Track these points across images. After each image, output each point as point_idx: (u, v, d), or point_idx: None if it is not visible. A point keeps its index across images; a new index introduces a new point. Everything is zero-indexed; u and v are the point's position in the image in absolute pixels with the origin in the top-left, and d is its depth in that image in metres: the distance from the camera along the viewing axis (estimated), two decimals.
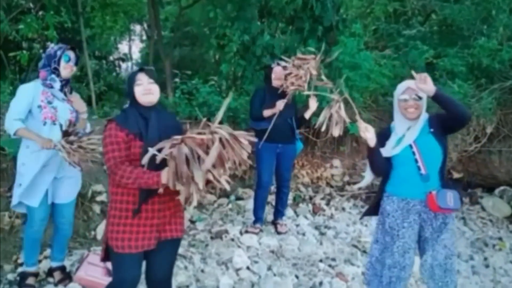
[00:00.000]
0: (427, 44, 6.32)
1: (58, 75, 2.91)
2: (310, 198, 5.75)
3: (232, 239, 4.21)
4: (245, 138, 1.98)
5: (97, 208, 4.22)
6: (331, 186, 6.21)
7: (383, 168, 2.65)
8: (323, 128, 2.79)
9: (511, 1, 6.09)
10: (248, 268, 3.68)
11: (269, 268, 3.72)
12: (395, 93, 2.63)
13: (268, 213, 4.82)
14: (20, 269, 3.28)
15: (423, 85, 2.39)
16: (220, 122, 2.02)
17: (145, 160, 1.98)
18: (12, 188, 3.09)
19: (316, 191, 5.98)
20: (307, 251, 4.10)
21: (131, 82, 2.23)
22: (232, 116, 5.69)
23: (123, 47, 14.63)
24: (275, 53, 5.86)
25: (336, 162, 6.37)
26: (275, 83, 4.15)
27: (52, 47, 2.99)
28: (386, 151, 2.62)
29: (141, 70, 2.27)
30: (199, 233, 4.38)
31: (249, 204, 4.95)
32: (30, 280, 3.07)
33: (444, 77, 5.85)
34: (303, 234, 4.53)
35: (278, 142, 4.24)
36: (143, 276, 2.40)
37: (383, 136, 2.68)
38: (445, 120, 2.51)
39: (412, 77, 2.48)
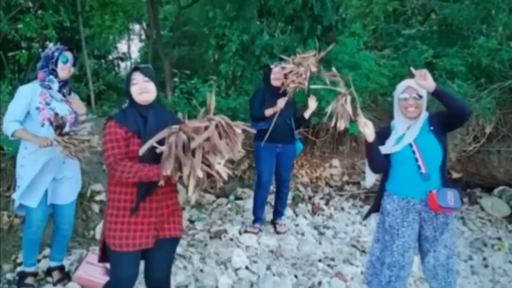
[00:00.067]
0: (427, 43, 6.32)
1: (56, 76, 2.91)
2: (309, 198, 5.75)
3: (231, 239, 4.21)
4: (241, 127, 2.00)
5: (96, 208, 4.22)
6: (330, 186, 6.21)
7: (381, 165, 2.65)
8: (332, 123, 2.78)
9: (510, 1, 6.09)
10: (247, 268, 3.68)
11: (268, 268, 3.72)
12: (395, 92, 2.63)
13: (267, 213, 4.82)
14: (19, 269, 3.28)
15: (423, 81, 2.39)
16: None
17: (143, 149, 1.96)
18: (11, 188, 3.09)
19: (315, 191, 5.98)
20: (306, 251, 4.10)
21: (128, 82, 2.24)
22: (231, 116, 5.69)
23: (122, 47, 14.66)
24: (274, 53, 5.86)
25: (335, 162, 6.37)
26: (274, 83, 4.17)
27: (49, 48, 2.98)
28: (385, 148, 2.61)
29: (136, 69, 2.27)
30: (198, 232, 4.37)
31: (248, 204, 4.95)
32: (29, 280, 3.07)
33: (443, 77, 5.85)
34: (302, 234, 4.53)
35: (278, 142, 4.24)
36: (142, 276, 2.40)
37: (383, 135, 2.67)
38: (445, 118, 2.51)
39: (412, 76, 2.48)
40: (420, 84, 2.40)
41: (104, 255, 2.32)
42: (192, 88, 6.14)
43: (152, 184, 2.10)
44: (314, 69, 3.65)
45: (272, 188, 4.86)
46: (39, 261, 3.34)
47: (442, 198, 2.42)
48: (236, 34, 5.95)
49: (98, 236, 3.95)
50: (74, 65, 3.02)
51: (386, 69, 5.84)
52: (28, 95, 2.84)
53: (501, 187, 6.07)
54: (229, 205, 5.22)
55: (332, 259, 3.99)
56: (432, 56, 5.99)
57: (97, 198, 4.25)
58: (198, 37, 10.75)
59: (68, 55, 2.95)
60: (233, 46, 5.96)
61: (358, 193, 6.02)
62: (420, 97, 2.51)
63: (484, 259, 4.39)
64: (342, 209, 5.51)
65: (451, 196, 2.44)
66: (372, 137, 2.54)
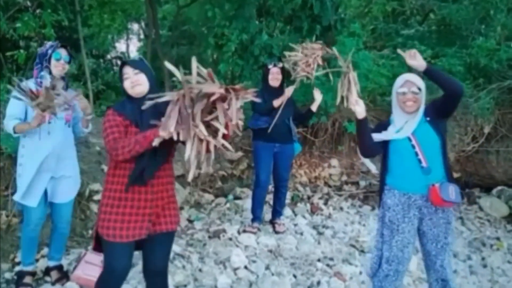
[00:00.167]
0: (425, 44, 6.32)
1: (50, 73, 2.90)
2: (308, 197, 5.75)
3: (230, 239, 4.20)
4: (251, 93, 1.95)
5: (94, 207, 4.21)
6: (329, 186, 6.22)
7: (372, 148, 2.65)
8: (344, 103, 2.90)
9: (509, 1, 6.10)
10: (246, 267, 3.67)
11: (267, 268, 3.72)
12: (393, 86, 2.63)
13: (266, 213, 4.82)
14: (17, 268, 3.27)
15: (413, 61, 2.46)
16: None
17: (147, 105, 1.93)
18: (9, 187, 3.08)
19: (314, 190, 5.98)
20: (305, 251, 4.10)
21: (120, 77, 2.26)
22: None
23: (121, 46, 14.63)
24: (273, 53, 5.86)
25: (334, 161, 6.38)
26: (272, 83, 4.19)
27: (45, 45, 2.98)
28: (383, 135, 2.62)
29: (124, 63, 2.28)
30: (197, 232, 4.37)
31: (247, 204, 4.95)
32: (28, 279, 3.06)
33: None
34: (301, 234, 4.53)
35: (276, 141, 4.26)
36: (141, 275, 2.39)
37: (382, 127, 2.69)
38: (440, 103, 2.54)
39: (410, 71, 2.50)
40: (411, 64, 2.48)
41: (99, 245, 2.33)
42: None
43: (150, 164, 2.09)
44: (321, 62, 3.68)
45: (271, 188, 4.86)
46: (37, 260, 3.33)
47: (444, 191, 2.42)
48: (235, 34, 5.95)
49: None
50: (69, 62, 3.00)
51: (385, 69, 5.84)
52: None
53: (499, 187, 6.08)
54: (228, 205, 5.22)
55: (331, 259, 3.99)
56: (430, 56, 6.00)
57: (96, 197, 4.24)
58: (197, 36, 10.74)
59: (62, 52, 2.94)
60: (233, 46, 5.95)
61: (357, 193, 6.03)
62: (420, 90, 2.52)
63: (483, 259, 4.39)
64: (341, 209, 5.51)
65: (452, 190, 2.45)
66: (362, 114, 2.60)
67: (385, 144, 2.65)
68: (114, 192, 2.18)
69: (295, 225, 4.78)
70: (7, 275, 3.27)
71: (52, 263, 3.20)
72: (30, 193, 2.88)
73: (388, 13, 8.07)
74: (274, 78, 4.20)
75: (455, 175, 6.27)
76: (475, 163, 6.33)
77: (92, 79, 7.96)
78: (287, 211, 5.05)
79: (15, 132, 2.80)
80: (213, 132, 1.88)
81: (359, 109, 2.59)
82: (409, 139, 2.53)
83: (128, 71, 2.22)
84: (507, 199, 5.85)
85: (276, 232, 4.45)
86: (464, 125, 6.12)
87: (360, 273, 3.75)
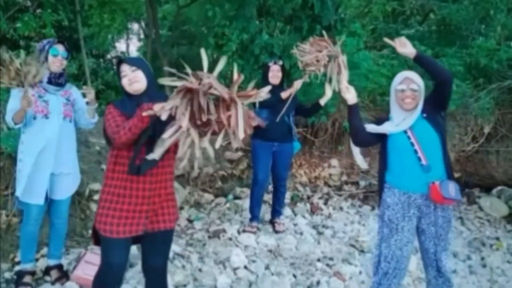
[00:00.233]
0: (425, 43, 6.33)
1: (48, 69, 2.91)
2: (308, 197, 5.75)
3: (230, 238, 4.20)
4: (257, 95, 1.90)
5: (94, 207, 4.21)
6: (329, 186, 6.22)
7: (363, 136, 2.66)
8: (336, 88, 2.92)
9: (509, 1, 6.10)
10: (245, 267, 3.67)
11: (267, 267, 3.72)
12: (392, 83, 2.64)
13: (266, 213, 4.82)
14: (17, 268, 3.27)
15: (403, 49, 2.52)
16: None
17: (164, 116, 1.87)
18: (9, 186, 3.09)
19: (314, 190, 5.99)
20: (305, 250, 4.10)
21: (118, 76, 2.27)
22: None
23: (121, 46, 14.62)
24: (274, 52, 5.85)
25: (334, 161, 6.38)
26: (272, 81, 4.17)
27: (42, 41, 2.99)
28: (381, 128, 2.63)
29: (121, 61, 2.28)
30: (197, 232, 4.37)
31: (247, 203, 4.94)
32: (27, 279, 3.06)
33: None
34: (301, 234, 4.53)
35: (274, 140, 4.25)
36: (141, 275, 2.40)
37: (381, 122, 2.70)
38: (433, 95, 2.56)
39: (410, 68, 2.50)
40: (401, 52, 2.54)
41: (98, 240, 2.35)
42: None
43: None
44: (326, 59, 3.63)
45: (271, 187, 4.86)
46: (37, 260, 3.34)
47: (445, 189, 2.42)
48: (236, 34, 5.94)
49: None
50: (67, 58, 3.00)
51: (385, 69, 5.85)
52: (21, 89, 2.86)
53: (499, 187, 6.09)
54: (227, 205, 5.22)
55: (331, 259, 3.99)
56: (430, 56, 6.00)
57: (96, 197, 4.24)
58: (197, 36, 10.73)
59: (59, 47, 2.94)
60: (233, 46, 5.95)
61: (357, 193, 6.03)
62: (419, 87, 2.52)
63: (482, 259, 4.40)
64: (341, 208, 5.51)
65: (452, 188, 2.45)
66: (353, 101, 2.65)
67: (383, 140, 2.65)
68: (114, 188, 2.20)
69: (295, 225, 4.78)
70: (7, 275, 3.27)
71: (52, 262, 3.20)
72: (33, 191, 2.89)
73: (388, 13, 8.08)
74: (275, 75, 4.19)
75: (455, 175, 6.28)
76: (475, 163, 6.34)
77: (92, 79, 7.96)
78: (287, 211, 5.05)
79: (15, 124, 2.81)
80: (204, 131, 1.85)
81: (350, 96, 2.63)
82: (408, 137, 2.52)
83: (125, 68, 2.23)
84: (507, 199, 5.86)
85: (276, 232, 4.45)
86: (464, 125, 6.12)
87: (360, 273, 3.75)
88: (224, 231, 4.32)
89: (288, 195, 5.44)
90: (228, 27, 6.15)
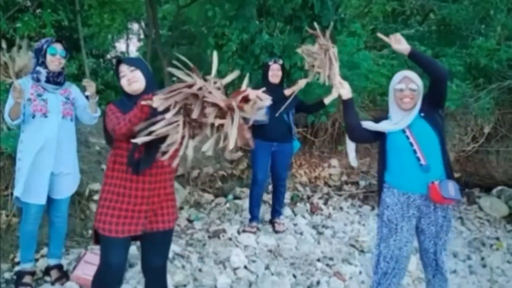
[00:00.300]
0: (425, 44, 6.33)
1: (46, 68, 2.91)
2: (308, 197, 5.75)
3: (230, 238, 4.20)
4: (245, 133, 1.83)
5: (94, 207, 4.21)
6: (329, 186, 6.22)
7: (359, 129, 2.67)
8: (326, 81, 2.89)
9: (509, 1, 6.10)
10: (245, 267, 3.67)
11: (267, 267, 3.72)
12: (391, 82, 2.63)
13: (266, 213, 4.82)
14: (17, 268, 3.27)
15: (398, 45, 2.52)
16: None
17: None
18: (9, 186, 3.09)
19: (314, 190, 5.99)
20: (305, 251, 4.10)
21: (117, 76, 2.27)
22: None
23: (121, 46, 14.61)
24: (274, 52, 5.85)
25: (334, 161, 6.38)
26: (272, 80, 4.17)
27: (40, 40, 2.99)
28: (379, 126, 2.63)
29: (120, 61, 2.28)
30: (197, 232, 4.37)
31: (247, 203, 4.93)
32: (27, 279, 3.06)
33: None
34: (301, 234, 4.53)
35: (273, 140, 4.24)
36: (141, 275, 2.40)
37: (379, 120, 2.70)
38: (429, 93, 2.55)
39: (410, 68, 2.50)
40: (396, 48, 2.53)
41: (98, 239, 2.35)
42: None
43: (147, 153, 2.07)
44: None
45: (270, 187, 4.86)
46: (37, 260, 3.34)
47: (444, 189, 2.41)
48: (236, 34, 5.94)
49: None
50: (65, 57, 3.00)
51: (385, 69, 5.85)
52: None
53: (499, 187, 6.09)
54: (227, 205, 5.22)
55: (331, 259, 3.99)
56: (430, 56, 6.00)
57: (95, 197, 4.24)
58: (197, 36, 10.73)
59: (57, 46, 2.94)
60: (233, 46, 5.95)
61: (357, 193, 6.03)
62: (417, 87, 2.52)
63: (482, 259, 4.40)
64: (341, 208, 5.51)
65: (451, 187, 2.44)
66: (348, 95, 2.64)
67: (382, 140, 2.65)
68: (113, 187, 2.20)
69: (295, 225, 4.78)
70: (7, 275, 3.27)
71: (52, 262, 3.20)
72: (33, 191, 2.89)
73: (388, 13, 8.07)
74: (275, 74, 4.19)
75: (455, 175, 6.28)
76: (475, 163, 6.33)
77: (92, 79, 7.93)
78: (287, 211, 5.05)
79: (12, 120, 2.81)
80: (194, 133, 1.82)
81: (344, 91, 2.63)
82: (407, 136, 2.52)
83: (124, 69, 2.23)
84: (507, 199, 5.86)
85: (276, 232, 4.45)
86: (464, 125, 6.12)
87: (360, 273, 3.75)
88: (224, 231, 4.32)
89: (288, 195, 5.44)
90: (228, 27, 6.15)
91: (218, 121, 1.75)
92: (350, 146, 2.95)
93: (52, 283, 3.15)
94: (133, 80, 2.21)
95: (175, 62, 1.89)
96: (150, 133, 1.82)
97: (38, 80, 2.90)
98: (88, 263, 3.21)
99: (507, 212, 5.68)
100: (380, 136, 2.65)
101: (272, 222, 4.60)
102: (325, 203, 5.60)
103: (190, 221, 4.69)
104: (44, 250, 3.46)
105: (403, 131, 2.54)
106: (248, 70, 6.13)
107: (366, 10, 8.32)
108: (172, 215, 2.35)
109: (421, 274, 3.60)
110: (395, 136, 2.56)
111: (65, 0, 6.67)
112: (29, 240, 3.07)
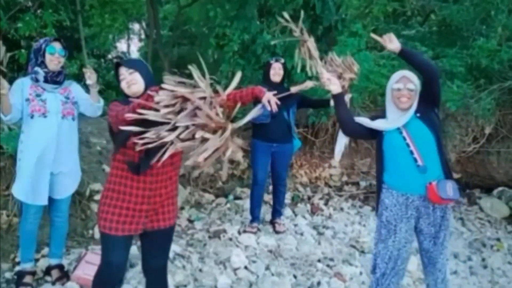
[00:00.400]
0: (426, 44, 6.31)
1: (46, 67, 2.91)
2: (309, 198, 5.75)
3: (230, 239, 4.20)
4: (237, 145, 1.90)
5: (95, 207, 4.21)
6: (330, 186, 6.21)
7: (352, 124, 2.67)
8: (309, 72, 2.89)
9: (510, 2, 6.09)
10: (246, 267, 3.67)
11: (267, 268, 3.72)
12: (389, 82, 2.63)
13: (266, 213, 4.82)
14: (17, 268, 3.27)
15: (390, 44, 2.56)
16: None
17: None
18: (10, 186, 3.09)
19: (314, 191, 5.98)
20: (305, 251, 4.10)
21: (117, 79, 2.28)
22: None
23: (122, 46, 14.64)
24: (276, 52, 5.85)
25: (335, 162, 6.37)
26: (274, 78, 4.16)
27: (39, 40, 2.99)
28: (375, 124, 2.62)
29: (119, 64, 2.28)
30: (197, 232, 4.37)
31: (247, 204, 4.94)
32: (28, 279, 3.06)
33: (443, 78, 5.85)
34: (301, 234, 4.53)
35: (274, 141, 4.23)
36: (141, 275, 2.40)
37: (375, 118, 2.70)
38: (423, 92, 2.54)
39: (410, 69, 2.51)
40: (388, 48, 2.56)
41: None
42: None
43: (147, 155, 2.04)
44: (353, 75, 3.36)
45: (271, 188, 4.86)
46: (37, 260, 3.34)
47: (442, 189, 2.41)
48: (237, 34, 5.94)
49: (97, 236, 3.95)
50: (64, 55, 2.99)
51: (385, 70, 5.83)
52: (18, 87, 2.87)
53: (500, 188, 6.08)
54: (228, 205, 5.22)
55: (331, 259, 3.99)
56: (431, 57, 5.99)
57: (96, 197, 4.24)
58: (198, 36, 10.74)
59: (56, 45, 2.93)
60: (234, 46, 5.95)
61: (357, 193, 6.02)
62: (415, 87, 2.52)
63: (483, 260, 4.39)
64: (341, 209, 5.51)
65: (450, 187, 2.43)
66: (338, 90, 2.64)
67: (378, 139, 2.65)
68: (115, 185, 2.21)
69: (295, 225, 4.78)
70: (7, 275, 3.27)
71: (53, 261, 3.20)
72: (33, 192, 2.89)
73: (389, 13, 8.06)
74: (276, 73, 4.18)
75: (456, 175, 6.27)
76: (476, 164, 6.32)
77: None
78: (287, 211, 5.05)
79: (4, 115, 2.79)
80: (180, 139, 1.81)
81: (334, 86, 2.63)
82: (403, 137, 2.51)
83: (123, 71, 2.24)
84: (508, 200, 5.85)
85: (276, 232, 4.45)
86: (465, 126, 6.11)
87: (361, 273, 3.75)
88: (224, 231, 4.32)
89: (288, 196, 5.44)
90: (229, 27, 6.15)
91: (206, 135, 1.78)
92: (340, 141, 2.95)
93: (53, 283, 3.15)
94: (132, 82, 2.21)
95: (193, 65, 1.89)
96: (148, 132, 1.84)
97: (36, 80, 2.90)
98: (88, 263, 3.21)
99: (508, 213, 5.67)
100: (376, 134, 2.65)
101: (272, 223, 4.60)
102: (326, 204, 5.60)
103: (190, 221, 4.69)
104: (45, 250, 3.46)
105: (400, 132, 2.54)
106: (249, 70, 6.13)
107: (367, 10, 8.30)
108: (172, 212, 2.36)
109: (421, 274, 3.59)
110: (392, 137, 2.57)
111: (66, 0, 6.67)
112: (29, 240, 3.07)
